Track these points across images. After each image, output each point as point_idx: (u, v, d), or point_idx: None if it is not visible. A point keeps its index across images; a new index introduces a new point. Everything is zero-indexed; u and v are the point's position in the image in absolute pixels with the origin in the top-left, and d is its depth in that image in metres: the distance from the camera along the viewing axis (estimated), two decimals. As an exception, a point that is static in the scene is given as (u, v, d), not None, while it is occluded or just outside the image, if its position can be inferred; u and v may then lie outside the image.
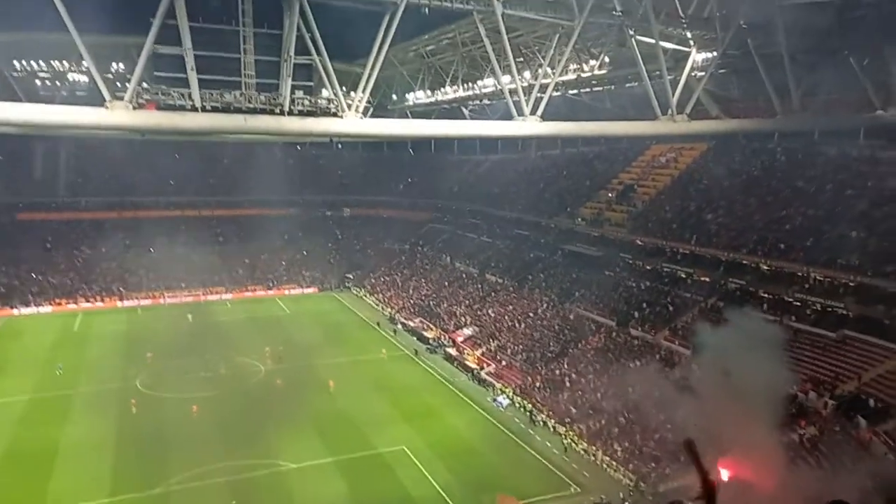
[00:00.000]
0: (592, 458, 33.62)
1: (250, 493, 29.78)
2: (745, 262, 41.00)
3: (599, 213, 56.45)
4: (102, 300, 66.55)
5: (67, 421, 37.69)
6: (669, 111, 31.77)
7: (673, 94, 31.41)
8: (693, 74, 34.11)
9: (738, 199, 46.08)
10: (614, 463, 32.37)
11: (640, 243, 50.13)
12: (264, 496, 29.66)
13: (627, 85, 46.23)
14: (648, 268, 48.46)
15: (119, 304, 66.57)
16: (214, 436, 35.74)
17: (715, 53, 33.08)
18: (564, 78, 40.73)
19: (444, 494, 30.01)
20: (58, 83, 52.68)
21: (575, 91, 49.59)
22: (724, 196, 47.41)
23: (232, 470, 31.76)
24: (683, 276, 45.15)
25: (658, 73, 31.57)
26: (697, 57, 34.22)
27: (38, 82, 52.19)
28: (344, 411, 39.59)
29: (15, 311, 62.19)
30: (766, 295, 39.07)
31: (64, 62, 49.96)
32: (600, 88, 50.17)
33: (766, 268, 39.71)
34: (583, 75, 41.21)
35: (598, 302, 49.17)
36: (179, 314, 61.83)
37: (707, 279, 43.38)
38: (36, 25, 42.75)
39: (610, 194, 58.14)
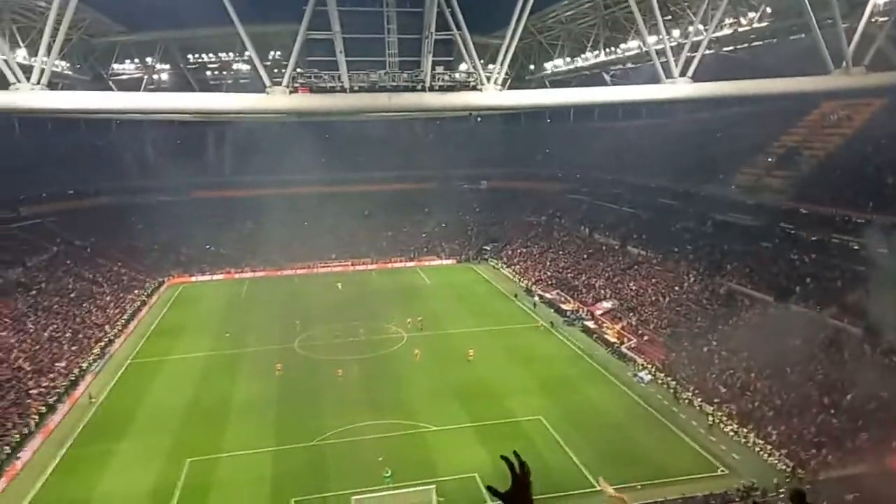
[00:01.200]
0: (743, 440, 31.67)
1: (394, 450, 31.61)
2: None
3: (757, 179, 52.03)
4: (264, 269, 73.01)
5: (238, 377, 42.09)
6: (844, 63, 28.34)
7: (848, 45, 27.96)
8: (873, 20, 30.02)
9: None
10: (768, 447, 30.26)
11: (804, 212, 45.65)
12: (407, 454, 31.34)
13: (792, 37, 41.69)
14: (814, 238, 44.03)
15: (279, 273, 72.66)
16: (362, 396, 38.34)
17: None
18: (718, 34, 37.68)
19: (580, 465, 29.88)
20: (224, 72, 57.87)
21: (730, 48, 45.62)
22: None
23: (378, 428, 33.92)
24: (856, 247, 40.53)
25: (830, 21, 28.18)
26: (878, 0, 30.03)
27: (207, 73, 57.72)
28: (482, 379, 40.53)
29: (193, 279, 70.21)
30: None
31: (229, 53, 54.64)
32: (760, 43, 45.57)
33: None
34: (740, 30, 37.81)
35: (754, 275, 45.68)
36: (330, 283, 66.39)
37: (886, 251, 38.57)
38: (204, 21, 47.22)
39: (770, 158, 53.31)
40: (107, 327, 50.78)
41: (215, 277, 71.17)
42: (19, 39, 35.46)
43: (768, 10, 35.44)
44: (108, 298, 57.12)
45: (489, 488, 3.09)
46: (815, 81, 31.34)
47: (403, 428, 34.19)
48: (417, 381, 40.40)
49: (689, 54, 28.29)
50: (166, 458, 31.76)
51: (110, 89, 49.02)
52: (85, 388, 40.64)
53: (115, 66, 51.83)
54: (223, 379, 41.85)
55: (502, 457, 3.00)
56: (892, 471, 23.11)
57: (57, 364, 41.82)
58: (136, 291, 61.49)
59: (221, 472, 30.30)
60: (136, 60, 52.41)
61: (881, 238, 38.56)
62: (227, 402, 38.30)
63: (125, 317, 54.24)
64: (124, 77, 53.01)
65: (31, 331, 45.96)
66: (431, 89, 28.43)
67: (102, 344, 47.33)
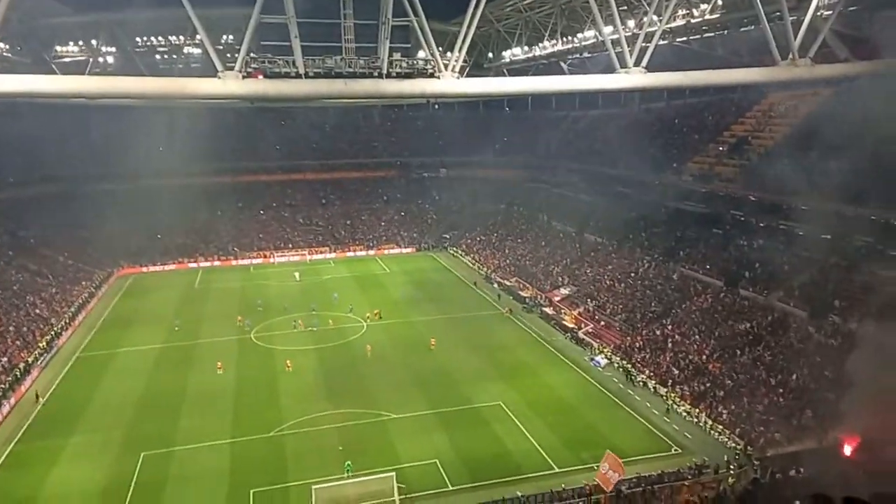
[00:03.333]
0: (695, 420, 32.69)
1: (355, 439, 31.54)
2: (873, 217, 37.59)
3: (709, 168, 53.41)
4: (219, 259, 71.49)
5: (192, 369, 41.20)
6: (791, 55, 29.22)
7: (795, 37, 28.82)
8: (819, 14, 31.00)
9: (867, 150, 41.97)
10: (719, 426, 31.31)
11: (753, 199, 47.09)
12: (368, 443, 31.28)
13: (743, 29, 42.78)
14: (762, 225, 45.55)
15: (234, 262, 71.27)
16: (322, 386, 38.07)
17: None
18: (672, 25, 38.35)
19: (540, 449, 30.33)
20: (174, 56, 56.01)
21: (683, 39, 46.53)
22: (851, 146, 43.30)
23: (337, 418, 33.76)
24: (802, 233, 42.07)
25: (778, 13, 29.00)
26: (824, -7, 31.06)
27: (157, 56, 55.76)
28: (442, 367, 40.70)
29: (144, 269, 68.25)
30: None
31: (180, 36, 52.89)
32: (712, 34, 46.63)
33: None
34: (692, 21, 38.57)
35: (705, 261, 47.03)
36: (287, 272, 65.51)
37: (829, 236, 40.20)
38: (153, 3, 45.62)
39: (721, 147, 54.77)
40: (53, 320, 48.98)
41: (167, 268, 69.38)
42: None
43: (719, 1, 36.22)
44: (53, 290, 55.07)
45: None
46: (763, 72, 32.24)
47: (363, 417, 34.08)
48: (377, 370, 40.30)
49: (643, 44, 28.70)
50: (119, 452, 30.92)
51: (53, 72, 46.93)
52: (31, 382, 39.19)
53: (59, 48, 49.68)
54: (177, 371, 40.93)
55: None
56: (834, 446, 24.19)
57: (0, 359, 40.15)
58: (83, 283, 59.42)
59: (178, 466, 29.68)
60: (81, 43, 50.28)
61: (825, 224, 40.18)
62: (181, 394, 37.48)
63: (72, 309, 52.38)
64: (68, 60, 50.83)
65: (-28, 325, 44.02)
66: (389, 76, 28.13)
67: (48, 338, 45.63)
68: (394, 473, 26.90)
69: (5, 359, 40.38)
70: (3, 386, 37.13)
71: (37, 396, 37.28)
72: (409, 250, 76.93)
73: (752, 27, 40.96)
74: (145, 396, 37.41)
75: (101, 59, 51.46)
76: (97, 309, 55.49)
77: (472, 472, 28.21)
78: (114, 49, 52.13)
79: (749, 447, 28.90)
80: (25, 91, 29.14)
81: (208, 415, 34.70)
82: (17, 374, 39.15)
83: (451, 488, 27.25)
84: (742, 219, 47.49)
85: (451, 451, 30.13)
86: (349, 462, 28.60)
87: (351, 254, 74.89)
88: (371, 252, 75.63)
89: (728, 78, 35.85)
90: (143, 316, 52.92)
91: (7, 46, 44.92)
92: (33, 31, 46.96)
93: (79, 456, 30.80)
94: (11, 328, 45.19)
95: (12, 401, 36.45)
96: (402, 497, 26.26)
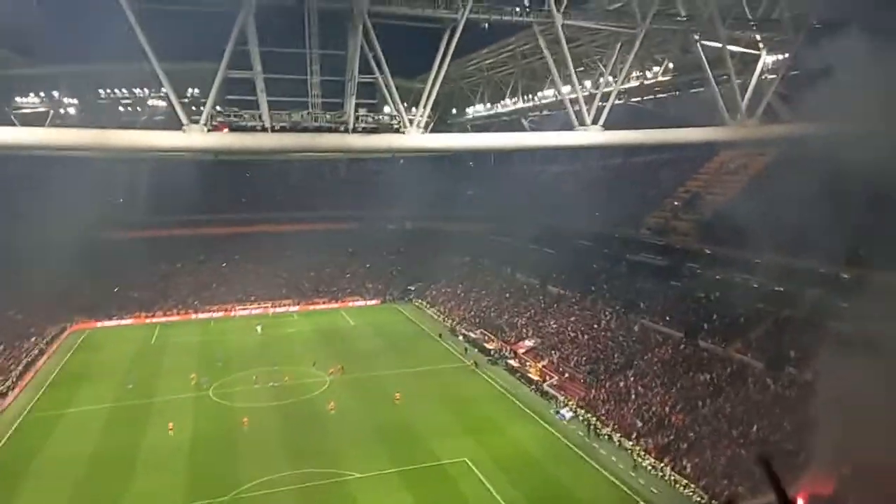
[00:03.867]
0: (660, 473, 32.61)
1: (317, 501, 30.46)
2: (821, 270, 39.01)
3: (665, 222, 55.03)
4: (178, 313, 69.72)
5: (146, 428, 39.53)
6: (738, 116, 30.82)
7: (742, 99, 30.49)
8: (763, 77, 32.95)
9: (816, 205, 43.90)
10: (684, 479, 31.28)
11: (708, 252, 48.54)
12: (331, 505, 30.26)
13: (693, 90, 45.00)
14: (718, 278, 46.83)
15: (193, 316, 69.55)
16: (282, 445, 36.87)
17: (787, 55, 31.88)
18: (627, 86, 40.12)
19: (507, 508, 29.78)
20: (138, 109, 55.87)
21: (638, 98, 48.69)
22: (800, 202, 45.28)
23: (298, 478, 32.61)
24: (756, 285, 43.36)
25: (726, 77, 30.70)
26: (768, 59, 33.04)
27: (120, 108, 55.54)
28: (407, 422, 39.97)
29: (98, 324, 65.97)
30: (844, 305, 37.01)
31: (144, 89, 52.92)
32: (664, 95, 48.97)
33: (845, 276, 37.68)
34: (646, 82, 40.52)
35: (665, 313, 47.88)
36: (249, 326, 64.17)
37: (782, 289, 41.50)
38: (118, 55, 45.58)
39: (676, 203, 56.60)
40: (-2, 378, 46.71)
41: (123, 322, 67.24)
42: None
43: (671, 65, 38.21)
44: (0, 347, 52.65)
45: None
46: (713, 132, 33.84)
47: (326, 476, 33.00)
48: (340, 427, 39.31)
49: (600, 104, 29.93)
50: (63, 520, 29.21)
51: (13, 124, 46.20)
52: (-29, 446, 37.02)
53: (18, 99, 49.13)
54: (130, 430, 39.21)
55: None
56: (795, 499, 24.39)
57: (-62, 420, 37.92)
58: (32, 339, 56.98)
59: (126, 533, 28.15)
60: (42, 94, 49.85)
61: (778, 277, 41.55)
62: (133, 455, 35.81)
63: (20, 368, 50.02)
64: (27, 111, 50.21)
65: None
66: (355, 131, 28.57)
67: (-8, 397, 43.42)
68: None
69: (-57, 420, 38.15)
70: (-61, 449, 34.96)
71: (-23, 460, 35.18)
72: (373, 302, 76.42)
73: (703, 89, 43.20)
74: (96, 458, 35.63)
75: (62, 111, 51.04)
76: (48, 366, 53.20)
77: (438, 533, 27.45)
78: (75, 100, 51.80)
79: (713, 501, 28.89)
80: (-18, 142, 28.61)
81: (163, 476, 33.17)
82: (-44, 436, 36.98)
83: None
84: (699, 271, 48.78)
85: (416, 511, 29.36)
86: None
87: (315, 307, 73.94)
88: (335, 304, 74.82)
89: (681, 136, 37.47)
90: (96, 373, 50.87)
91: (-36, 97, 44.23)
92: (-8, 82, 46.44)
93: (19, 524, 28.95)
94: (-48, 387, 42.88)
95: (-51, 465, 34.30)
96: (365, 561, 25.31)
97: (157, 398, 45.11)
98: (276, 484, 32.16)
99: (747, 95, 30.70)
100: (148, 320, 67.86)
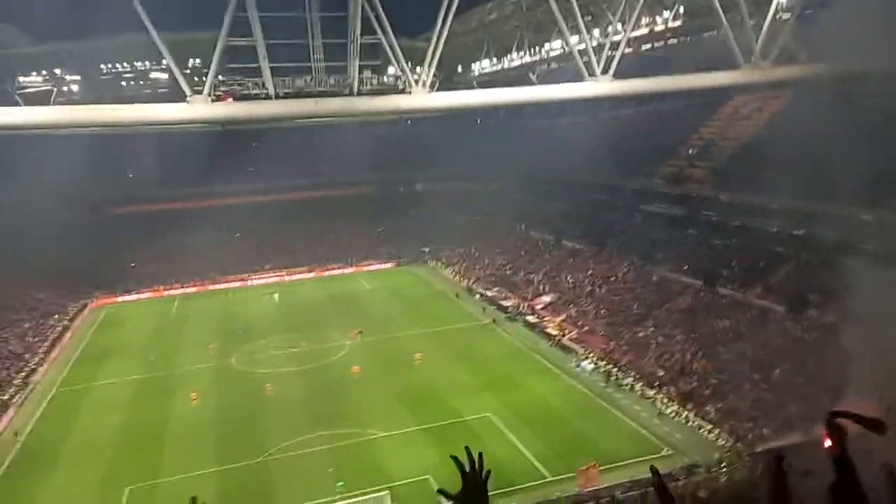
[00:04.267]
0: (684, 420, 32.92)
1: (344, 460, 31.16)
2: (841, 212, 38.44)
3: (680, 171, 54.27)
4: (195, 285, 70.46)
5: (173, 398, 40.35)
6: (753, 58, 29.97)
7: (756, 41, 29.58)
8: (778, 17, 31.89)
9: (832, 147, 43.04)
10: (708, 424, 31.57)
11: (724, 199, 47.93)
12: (357, 463, 30.91)
13: (705, 35, 43.86)
14: (736, 224, 46.33)
15: (210, 287, 70.26)
16: (307, 408, 37.57)
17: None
18: (636, 33, 39.14)
19: (532, 459, 30.27)
20: (141, 82, 55.55)
21: (648, 46, 47.52)
22: (815, 145, 44.39)
23: (325, 440, 33.29)
24: (775, 230, 42.90)
25: (739, 19, 29.74)
26: (782, -2, 31.97)
27: (123, 83, 55.24)
28: (428, 382, 40.47)
29: (118, 299, 66.96)
30: (867, 247, 36.57)
31: (146, 62, 52.46)
32: (675, 41, 47.77)
33: (866, 217, 37.09)
34: (656, 29, 39.44)
35: (683, 262, 47.66)
36: (266, 294, 64.81)
37: (802, 233, 41.03)
38: (118, 29, 45.10)
39: (690, 150, 55.74)
40: (27, 356, 47.74)
41: (142, 296, 68.08)
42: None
43: (681, 10, 37.09)
44: (26, 326, 53.72)
45: (440, 492, 2.90)
46: (726, 76, 33.05)
47: (352, 437, 33.70)
48: (363, 389, 39.94)
49: (609, 53, 29.21)
50: (103, 488, 30.12)
51: (16, 103, 46.11)
52: (8, 421, 38.08)
53: (21, 78, 48.94)
54: (156, 402, 40.03)
55: (452, 457, 2.82)
56: (818, 440, 24.50)
57: (-27, 399, 39.03)
58: (56, 316, 58.05)
59: (163, 499, 28.99)
60: (44, 72, 49.59)
61: (797, 221, 41.04)
62: (163, 424, 36.69)
63: (47, 344, 51.13)
64: (31, 90, 50.06)
65: (-58, 366, 42.74)
66: (360, 93, 28.21)
67: (24, 374, 44.44)
68: (387, 492, 26.63)
69: (-21, 399, 39.26)
70: (-23, 427, 36.09)
71: (15, 434, 36.26)
72: (388, 266, 76.66)
73: (715, 32, 42.00)
74: (126, 429, 36.56)
75: (65, 88, 50.82)
76: (72, 342, 54.24)
77: (465, 487, 27.96)
78: (78, 77, 51.53)
79: (738, 443, 29.19)
80: (-11, 124, 28.60)
81: (193, 444, 34.00)
82: (-8, 413, 38.09)
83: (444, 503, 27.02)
84: (715, 219, 48.30)
85: (443, 466, 29.80)
86: (341, 482, 28.22)
87: (330, 272, 74.38)
88: (350, 270, 75.19)
89: (693, 82, 36.70)
90: (119, 347, 51.80)
91: (-32, 79, 44.10)
92: (-6, 62, 46.22)
93: (62, 494, 29.95)
94: (-16, 367, 43.97)
95: (-12, 442, 35.42)
96: (395, 516, 26.00)
97: (181, 369, 45.97)
98: (304, 445, 32.90)
99: (761, 37, 29.77)
100: (166, 293, 68.68)
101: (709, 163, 52.41)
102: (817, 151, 44.38)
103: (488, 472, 2.80)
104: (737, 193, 46.79)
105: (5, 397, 40.35)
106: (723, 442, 30.18)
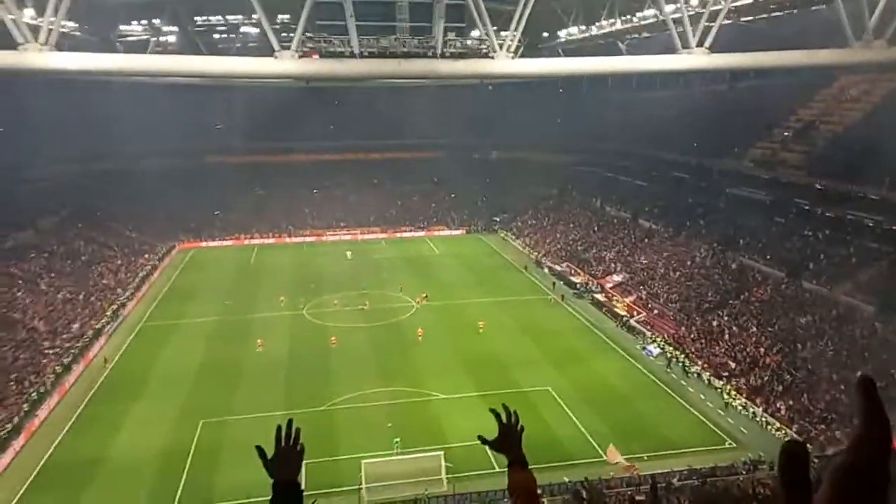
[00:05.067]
0: (751, 415, 31.76)
1: (403, 417, 32.00)
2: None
3: (772, 154, 51.24)
4: (273, 236, 73.19)
5: (248, 341, 42.40)
6: (865, 36, 27.61)
7: (870, 17, 27.19)
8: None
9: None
10: (777, 422, 30.35)
11: (819, 187, 45.01)
12: (415, 421, 31.69)
13: (814, 8, 40.70)
14: (829, 215, 43.51)
15: (287, 240, 72.83)
16: (371, 364, 38.69)
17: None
18: (738, 3, 36.78)
19: (588, 436, 30.08)
20: (232, 35, 57.04)
21: (749, 18, 44.54)
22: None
23: (386, 395, 34.30)
24: (871, 224, 40.05)
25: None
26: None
27: (215, 35, 56.89)
28: (490, 350, 40.71)
29: (203, 244, 70.50)
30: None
31: (238, 16, 53.75)
32: (780, 13, 44.46)
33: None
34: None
35: (766, 251, 45.34)
36: (339, 251, 66.55)
37: (902, 229, 38.14)
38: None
39: (786, 133, 52.43)
40: (119, 290, 51.24)
41: (224, 243, 71.43)
42: (27, -1, 35.02)
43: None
44: (119, 262, 57.52)
45: (480, 437, 3.11)
46: (835, 54, 30.72)
47: (412, 395, 34.52)
48: (425, 351, 40.66)
49: (706, 24, 27.63)
50: (180, 418, 32.29)
51: (117, 51, 48.53)
52: (99, 349, 41.20)
53: (122, 27, 51.26)
54: (233, 343, 42.21)
55: (491, 409, 3.04)
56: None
57: (71, 325, 42.35)
58: (146, 256, 61.85)
59: (233, 434, 30.67)
60: (143, 22, 51.72)
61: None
62: (237, 365, 38.74)
63: (136, 280, 54.67)
64: (131, 39, 52.41)
65: (45, 292, 46.46)
66: (443, 56, 28.02)
67: (115, 307, 47.80)
68: (442, 452, 27.18)
69: (76, 325, 42.59)
70: (73, 351, 39.22)
71: (105, 361, 39.23)
72: (458, 232, 76.93)
73: (824, 6, 38.91)
74: (203, 366, 38.85)
75: (162, 39, 52.90)
76: (159, 281, 57.73)
77: (519, 456, 28.13)
78: (175, 28, 53.46)
79: (808, 445, 27.95)
80: (92, 69, 30.26)
81: (262, 387, 35.76)
82: (86, 340, 41.26)
83: (497, 470, 27.26)
84: (807, 208, 45.53)
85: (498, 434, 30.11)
86: (398, 439, 29.01)
87: (401, 234, 75.42)
88: (421, 233, 75.96)
89: (797, 60, 34.25)
90: (202, 289, 54.73)
91: (76, 25, 46.49)
92: (99, 10, 48.51)
93: (143, 420, 32.29)
94: (81, 297, 47.52)
95: (82, 365, 38.45)
96: (449, 476, 26.53)
97: (257, 314, 48.15)
98: (366, 399, 34.01)
99: (877, 12, 27.31)
100: (246, 242, 71.75)
101: (805, 147, 49.19)
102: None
103: (522, 427, 3.06)
104: (833, 181, 43.83)
105: (97, 326, 43.58)
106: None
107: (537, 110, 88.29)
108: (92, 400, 34.79)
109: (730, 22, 39.54)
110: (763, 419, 31.06)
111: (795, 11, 43.44)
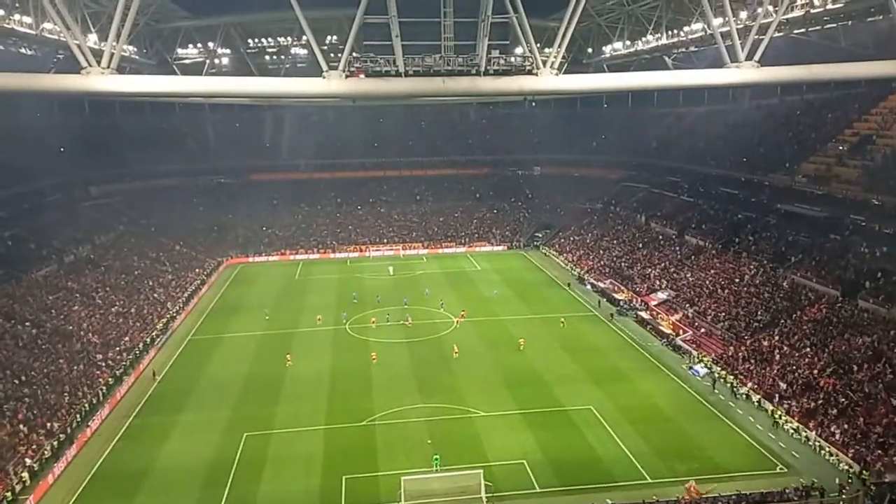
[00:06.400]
0: (804, 438, 30.50)
1: (443, 434, 31.86)
2: None
3: (826, 169, 49.60)
4: (318, 252, 74.44)
5: (292, 355, 42.97)
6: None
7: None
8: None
9: None
10: (831, 446, 29.05)
11: (877, 202, 43.30)
12: (456, 439, 31.49)
13: (869, 19, 39.47)
14: (888, 231, 41.76)
15: (331, 255, 73.95)
16: (412, 379, 38.76)
17: None
18: (789, 16, 35.96)
19: (632, 457, 29.34)
20: (282, 57, 58.81)
21: (801, 30, 43.44)
22: None
23: (426, 412, 34.26)
24: (933, 242, 38.29)
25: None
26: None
27: (266, 57, 58.79)
28: (531, 367, 40.31)
29: (249, 259, 72.19)
30: None
31: (287, 38, 55.47)
32: (833, 25, 43.20)
33: None
34: (812, 11, 35.95)
35: (820, 269, 43.75)
36: (381, 266, 67.20)
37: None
38: (264, 5, 48.12)
39: (841, 147, 50.75)
40: (168, 304, 52.82)
41: (271, 258, 72.98)
42: (90, 25, 36.89)
43: (844, -11, 33.55)
44: (169, 277, 59.38)
45: None
46: (892, 66, 29.48)
47: (452, 412, 34.38)
48: (465, 367, 40.52)
49: (756, 37, 27.02)
50: (224, 431, 32.91)
51: (175, 73, 50.55)
52: (149, 361, 42.45)
53: (179, 50, 53.45)
54: (277, 357, 42.90)
55: None
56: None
57: (123, 338, 43.82)
58: (196, 270, 63.68)
59: (276, 448, 31.15)
60: (199, 45, 53.87)
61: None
62: (280, 379, 39.36)
63: (186, 295, 56.28)
64: (188, 61, 54.62)
65: (100, 306, 48.26)
66: (486, 73, 28.11)
67: (165, 320, 49.26)
68: (481, 471, 26.93)
69: (127, 338, 44.05)
70: (125, 363, 40.54)
71: (154, 374, 40.38)
72: (500, 248, 76.78)
73: (881, 17, 37.69)
74: (248, 380, 39.59)
75: (216, 61, 54.93)
76: (207, 295, 59.28)
77: (560, 476, 27.73)
78: (228, 51, 55.47)
79: (864, 471, 26.67)
80: (151, 91, 31.56)
81: (304, 401, 36.22)
82: (137, 352, 42.60)
83: (537, 490, 26.94)
84: (863, 224, 43.82)
85: (539, 453, 29.78)
86: (437, 456, 28.90)
87: (443, 250, 75.70)
88: (463, 249, 76.10)
89: (852, 72, 32.96)
90: (248, 304, 55.98)
91: (136, 49, 48.68)
92: (157, 34, 50.76)
93: (189, 432, 33.05)
94: (133, 310, 49.18)
95: (132, 378, 39.67)
96: (488, 495, 26.27)
97: (301, 329, 48.89)
98: (406, 415, 34.03)
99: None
100: (292, 257, 73.15)
101: (862, 161, 47.48)
102: None
103: None
104: (891, 197, 42.16)
105: (148, 339, 44.96)
106: (846, 467, 27.68)
107: (581, 126, 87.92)
108: (141, 411, 35.79)
109: (781, 35, 38.69)
110: (816, 443, 29.77)
111: (850, 22, 42.20)
